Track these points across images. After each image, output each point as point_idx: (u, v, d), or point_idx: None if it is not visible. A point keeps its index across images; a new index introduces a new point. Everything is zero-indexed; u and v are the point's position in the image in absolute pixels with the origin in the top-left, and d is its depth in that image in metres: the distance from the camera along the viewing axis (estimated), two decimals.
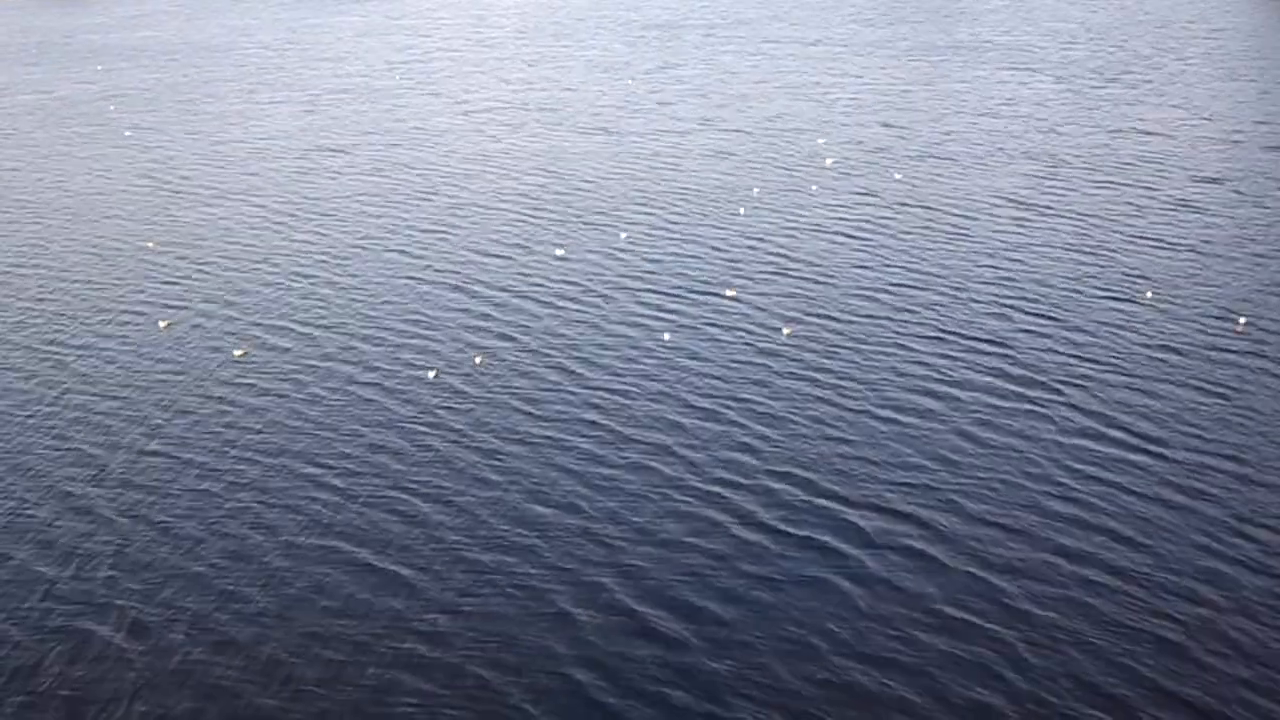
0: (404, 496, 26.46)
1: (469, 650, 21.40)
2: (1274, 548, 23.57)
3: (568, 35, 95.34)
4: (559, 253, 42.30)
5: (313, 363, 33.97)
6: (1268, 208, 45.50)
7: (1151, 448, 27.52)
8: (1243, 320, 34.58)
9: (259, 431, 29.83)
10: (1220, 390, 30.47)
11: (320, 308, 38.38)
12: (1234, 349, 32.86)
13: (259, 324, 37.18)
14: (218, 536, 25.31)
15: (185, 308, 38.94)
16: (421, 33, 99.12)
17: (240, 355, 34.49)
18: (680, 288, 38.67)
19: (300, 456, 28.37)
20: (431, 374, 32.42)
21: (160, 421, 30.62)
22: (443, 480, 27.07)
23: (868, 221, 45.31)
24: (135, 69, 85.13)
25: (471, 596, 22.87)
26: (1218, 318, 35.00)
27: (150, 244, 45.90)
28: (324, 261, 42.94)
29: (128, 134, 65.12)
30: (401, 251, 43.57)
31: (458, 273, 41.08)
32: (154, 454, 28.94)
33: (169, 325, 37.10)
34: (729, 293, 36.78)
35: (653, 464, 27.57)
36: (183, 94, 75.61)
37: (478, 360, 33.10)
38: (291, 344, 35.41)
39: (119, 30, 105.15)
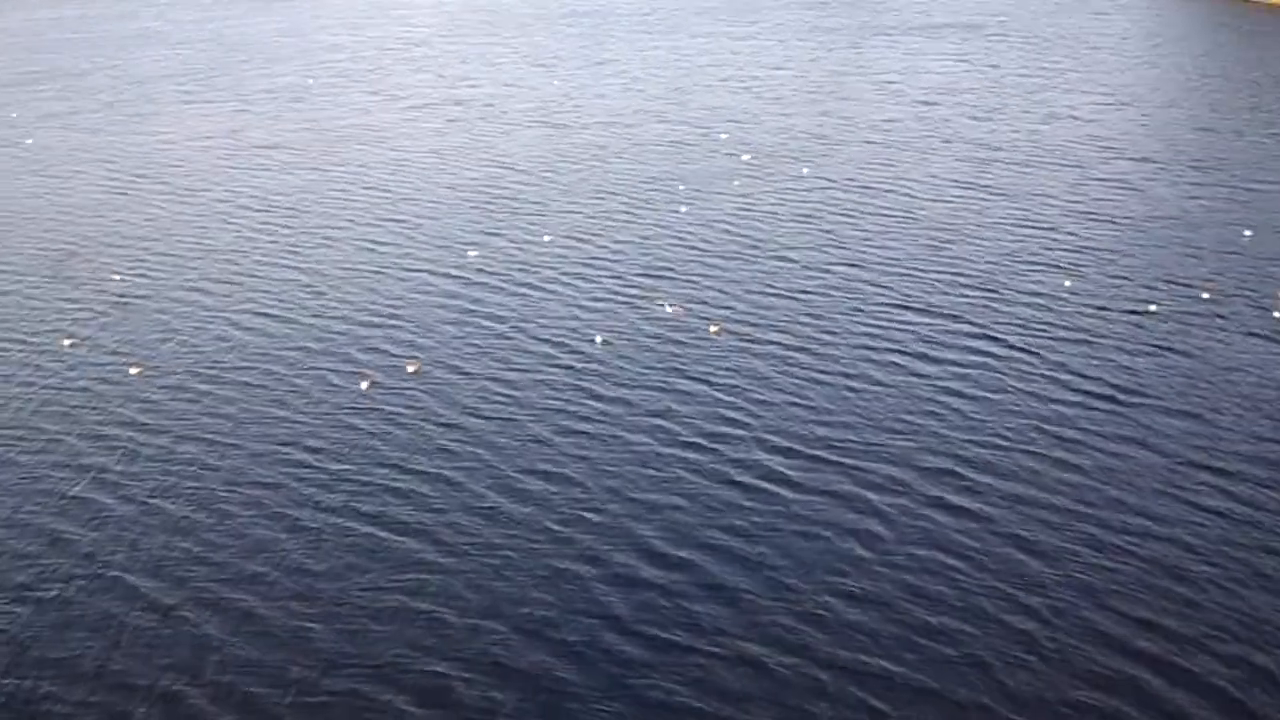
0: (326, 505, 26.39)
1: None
2: (1219, 490, 24.93)
3: (497, 30, 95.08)
4: (475, 254, 41.77)
5: (221, 374, 32.93)
6: (1196, 183, 47.63)
7: (1095, 396, 28.94)
8: (1209, 292, 36.16)
9: (169, 446, 28.89)
10: (1163, 346, 32.09)
11: (248, 312, 37.70)
12: (1167, 310, 34.58)
13: (183, 330, 36.47)
14: (150, 568, 25.05)
15: (101, 317, 38.15)
16: (349, 31, 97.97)
17: (136, 373, 32.50)
18: (615, 284, 38.81)
19: (217, 469, 27.57)
20: (365, 384, 31.47)
21: (58, 438, 29.38)
22: (377, 490, 26.86)
23: (810, 206, 46.19)
24: (54, 69, 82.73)
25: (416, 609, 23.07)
26: (1149, 286, 36.66)
27: (68, 250, 44.73)
28: (257, 263, 42.39)
29: (29, 142, 63.38)
30: (330, 252, 43.18)
31: (398, 273, 40.74)
32: (56, 468, 27.93)
33: (72, 343, 35.31)
34: (668, 307, 35.59)
35: (600, 462, 27.90)
36: (103, 96, 73.76)
37: (411, 368, 32.31)
38: (217, 347, 34.93)
39: (27, 33, 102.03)
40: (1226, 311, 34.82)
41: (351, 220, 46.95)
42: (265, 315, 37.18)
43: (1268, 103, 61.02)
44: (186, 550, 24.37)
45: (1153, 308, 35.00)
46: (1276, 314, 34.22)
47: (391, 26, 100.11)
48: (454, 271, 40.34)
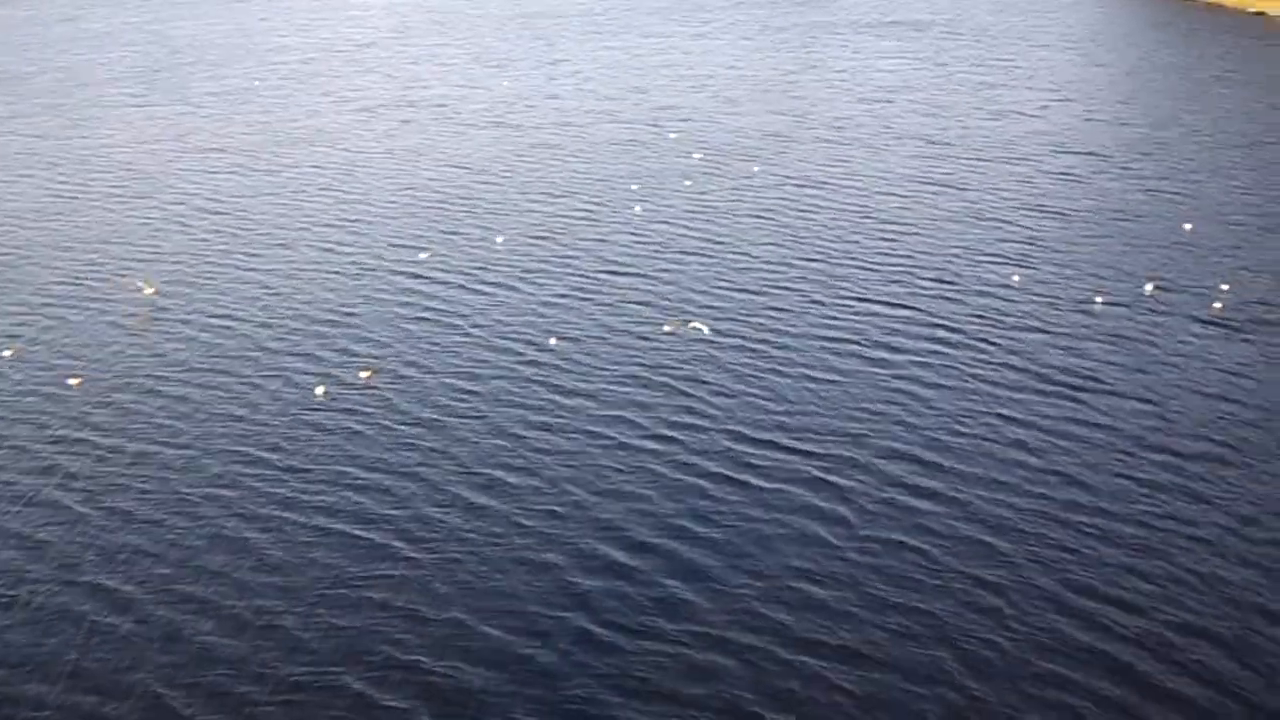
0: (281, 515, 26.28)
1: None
2: (1171, 472, 25.58)
3: (447, 31, 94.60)
4: (428, 256, 41.47)
5: (173, 381, 32.40)
6: (1139, 176, 48.60)
7: (1049, 385, 29.68)
8: (1151, 286, 36.91)
9: (111, 456, 28.55)
10: (1112, 335, 32.84)
11: (199, 317, 37.18)
12: (1114, 301, 35.34)
13: (132, 337, 35.98)
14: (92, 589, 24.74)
15: (38, 327, 37.53)
16: (297, 32, 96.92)
17: (76, 385, 31.47)
18: (572, 284, 38.80)
19: (176, 477, 27.23)
20: (320, 389, 31.11)
21: (6, 447, 28.76)
22: (343, 491, 26.71)
23: (766, 203, 46.56)
24: None
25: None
26: (1096, 277, 37.42)
27: (11, 256, 43.85)
28: (208, 268, 41.86)
29: None
30: (283, 255, 42.74)
31: (352, 276, 40.41)
32: (19, 474, 27.45)
33: (13, 353, 34.60)
34: (665, 327, 34.53)
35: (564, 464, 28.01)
36: (47, 99, 72.34)
37: (364, 374, 32.01)
38: (168, 353, 34.50)
39: None
40: (1171, 302, 35.70)
41: (304, 223, 46.54)
42: (218, 320, 36.74)
43: (1206, 99, 62.55)
44: (153, 554, 24.05)
45: (1099, 299, 35.79)
46: (1217, 304, 35.13)
47: (340, 28, 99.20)
48: (408, 274, 40.14)
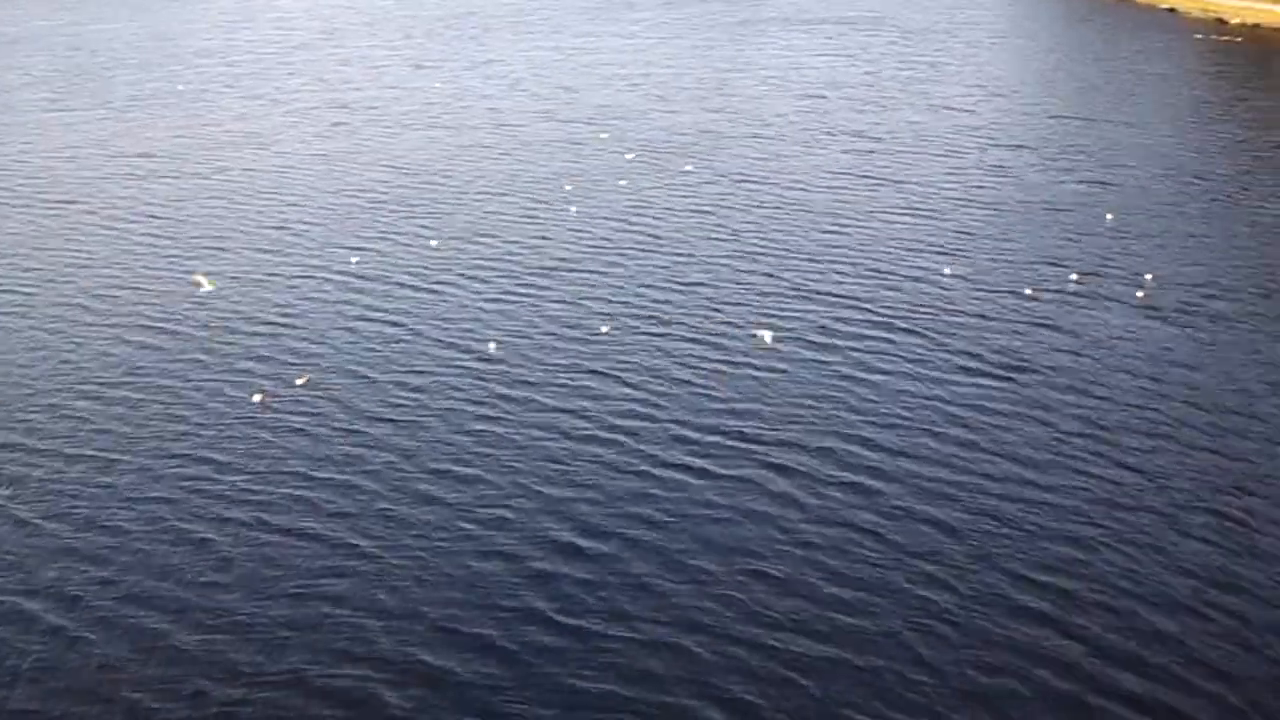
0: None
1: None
2: (1101, 455, 26.35)
3: (376, 33, 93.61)
4: (361, 259, 41.12)
5: (105, 392, 31.82)
6: (1064, 168, 49.82)
7: (983, 373, 30.29)
8: (1147, 279, 37.91)
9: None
10: (1042, 324, 33.63)
11: (130, 326, 36.35)
12: (1043, 290, 36.23)
13: (61, 348, 34.95)
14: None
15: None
16: (221, 35, 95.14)
17: (14, 393, 30.69)
18: (510, 285, 38.61)
19: (109, 489, 26.62)
20: (257, 397, 30.52)
21: None
22: (281, 500, 26.44)
23: (702, 201, 46.81)
24: None
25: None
26: (1026, 267, 38.34)
27: None
28: (138, 275, 40.88)
29: None
30: (216, 261, 41.85)
31: (287, 280, 39.79)
32: None
33: None
34: (603, 328, 34.31)
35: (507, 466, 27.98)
36: None
37: (300, 381, 31.45)
38: (99, 364, 33.68)
39: None
40: (1098, 289, 36.72)
41: (237, 228, 45.72)
42: (149, 329, 35.93)
43: (1125, 92, 64.34)
44: (84, 573, 23.45)
45: (1029, 288, 36.67)
46: (1140, 292, 36.18)
47: (265, 30, 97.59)
48: (345, 277, 39.68)
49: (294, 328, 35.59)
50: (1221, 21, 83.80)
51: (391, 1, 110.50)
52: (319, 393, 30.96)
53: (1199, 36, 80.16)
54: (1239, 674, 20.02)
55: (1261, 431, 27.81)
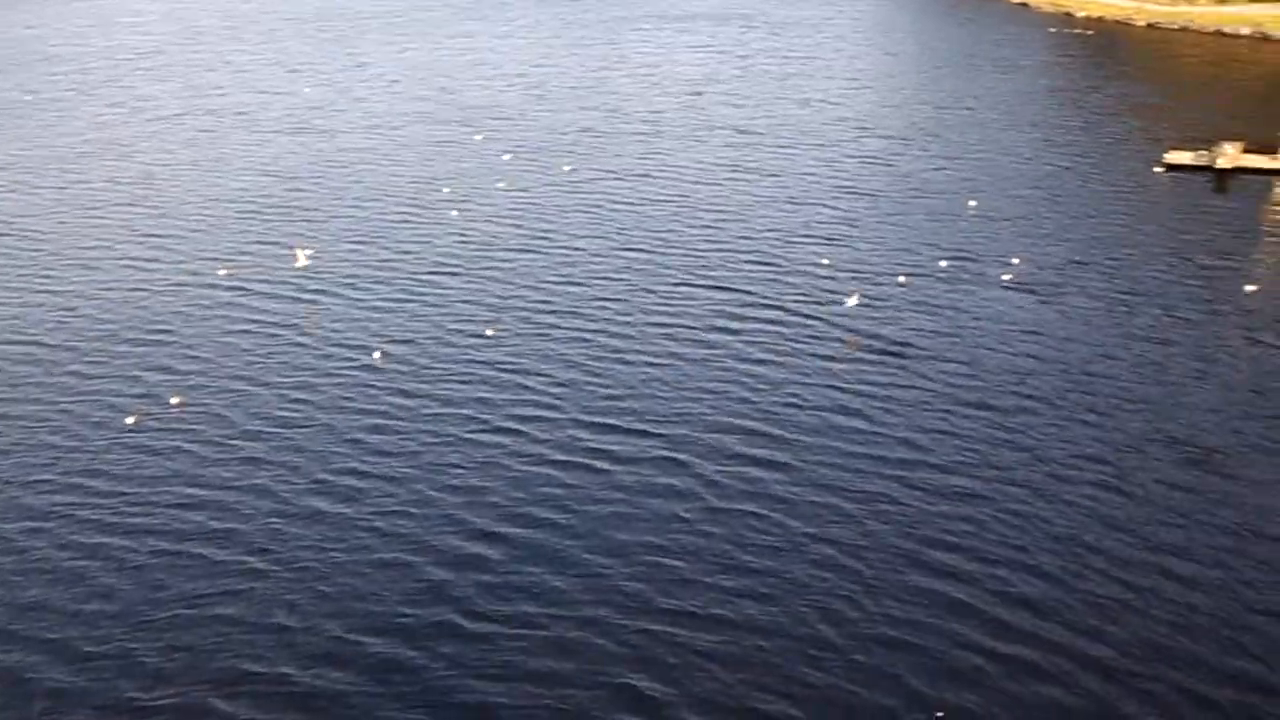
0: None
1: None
2: (988, 422, 27.42)
3: (241, 36, 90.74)
4: (235, 269, 40.01)
5: None
6: (935, 156, 51.56)
7: (872, 352, 31.20)
8: (944, 263, 39.22)
9: None
10: (921, 304, 34.76)
11: None
12: (919, 273, 37.56)
13: None
14: None
15: None
16: (73, 41, 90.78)
17: None
18: (397, 290, 38.20)
19: None
20: (131, 419, 29.30)
21: None
22: (179, 508, 25.70)
23: (586, 199, 46.85)
24: None
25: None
26: (903, 251, 39.66)
27: None
28: None
29: None
30: (81, 275, 40.16)
31: (159, 293, 38.37)
32: None
33: None
34: (487, 331, 33.94)
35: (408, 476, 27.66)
36: None
37: (175, 400, 30.33)
38: None
39: None
40: (969, 271, 38.18)
41: (102, 240, 43.76)
42: (15, 348, 34.16)
43: (983, 82, 66.93)
44: None
45: (903, 275, 37.82)
46: (1006, 275, 37.63)
47: (120, 35, 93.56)
48: (220, 288, 38.42)
49: (167, 343, 34.32)
50: (1069, 15, 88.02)
51: (253, 4, 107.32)
52: (199, 408, 29.95)
53: (1052, 30, 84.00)
54: (1118, 629, 21.13)
55: (1130, 398, 29.40)
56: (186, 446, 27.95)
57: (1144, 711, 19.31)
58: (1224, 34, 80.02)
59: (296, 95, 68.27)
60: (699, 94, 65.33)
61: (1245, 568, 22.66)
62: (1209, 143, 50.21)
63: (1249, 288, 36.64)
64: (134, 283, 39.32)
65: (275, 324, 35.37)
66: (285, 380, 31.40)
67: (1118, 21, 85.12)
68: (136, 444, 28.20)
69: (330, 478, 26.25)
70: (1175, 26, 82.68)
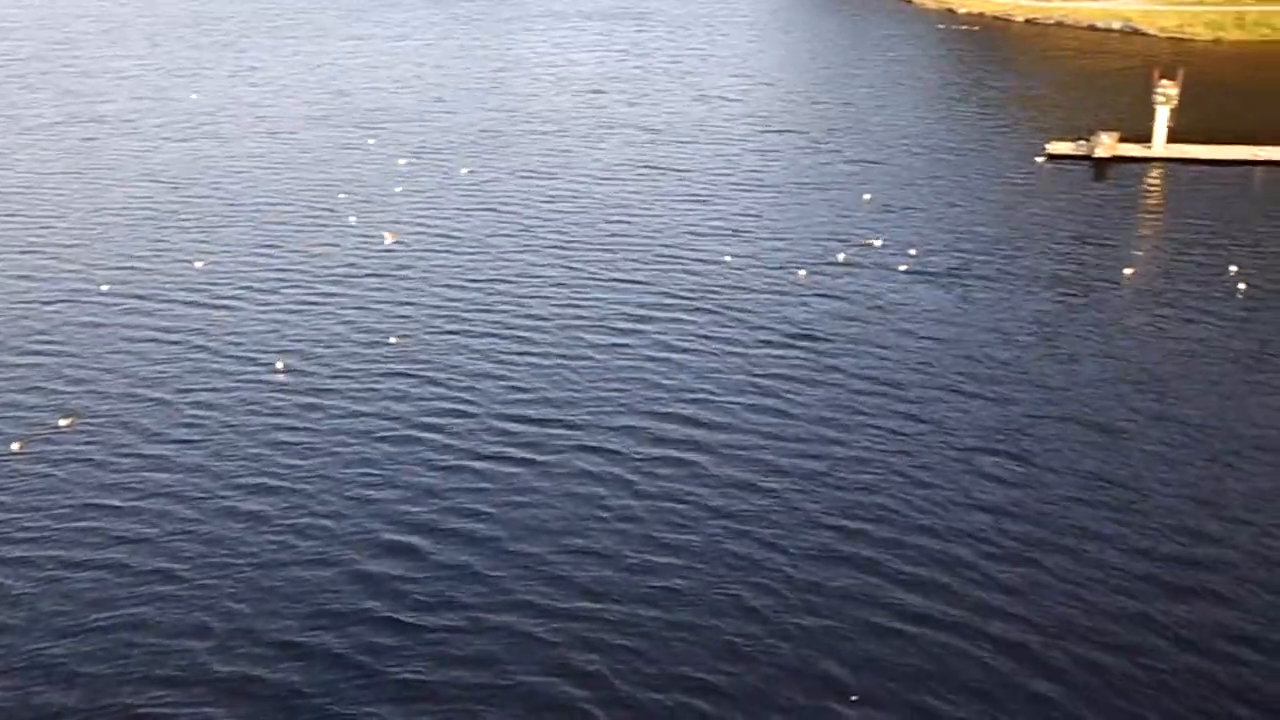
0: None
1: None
2: (891, 407, 28.30)
3: (121, 40, 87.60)
4: (125, 282, 38.83)
5: None
6: (831, 151, 52.82)
7: (777, 343, 31.95)
8: (841, 256, 40.08)
9: None
10: (823, 294, 35.62)
11: None
12: (819, 264, 38.48)
13: None
14: None
15: None
16: None
17: None
18: (295, 299, 37.46)
19: None
20: (16, 445, 27.95)
21: None
22: (69, 531, 24.84)
23: (487, 200, 46.59)
24: None
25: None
26: (803, 243, 40.59)
27: None
28: None
29: None
30: None
31: (42, 309, 37.00)
32: None
33: None
34: (391, 339, 33.45)
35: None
36: None
37: (64, 421, 29.05)
38: None
39: None
40: (867, 261, 39.21)
41: None
42: None
43: (873, 78, 68.67)
44: None
45: (804, 267, 38.72)
46: (903, 266, 38.74)
47: None
48: (110, 302, 37.13)
49: (57, 356, 33.11)
50: (951, 11, 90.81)
51: (130, 8, 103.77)
52: (100, 420, 29.00)
53: (939, 26, 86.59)
54: (1030, 592, 22.05)
55: (1028, 376, 30.69)
56: (94, 456, 27.19)
57: (1052, 687, 20.16)
58: (1096, 28, 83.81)
59: (183, 101, 66.34)
60: (599, 92, 65.59)
61: (1140, 534, 23.84)
62: (1088, 133, 52.54)
63: (1127, 270, 38.49)
64: (17, 297, 37.77)
65: (170, 336, 34.38)
66: (185, 389, 30.60)
67: (997, 17, 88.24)
68: (40, 455, 27.26)
69: (243, 481, 25.87)
70: (1051, 21, 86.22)
